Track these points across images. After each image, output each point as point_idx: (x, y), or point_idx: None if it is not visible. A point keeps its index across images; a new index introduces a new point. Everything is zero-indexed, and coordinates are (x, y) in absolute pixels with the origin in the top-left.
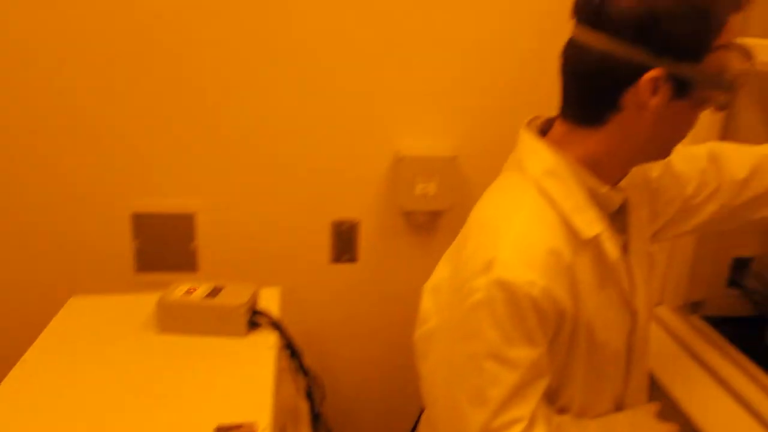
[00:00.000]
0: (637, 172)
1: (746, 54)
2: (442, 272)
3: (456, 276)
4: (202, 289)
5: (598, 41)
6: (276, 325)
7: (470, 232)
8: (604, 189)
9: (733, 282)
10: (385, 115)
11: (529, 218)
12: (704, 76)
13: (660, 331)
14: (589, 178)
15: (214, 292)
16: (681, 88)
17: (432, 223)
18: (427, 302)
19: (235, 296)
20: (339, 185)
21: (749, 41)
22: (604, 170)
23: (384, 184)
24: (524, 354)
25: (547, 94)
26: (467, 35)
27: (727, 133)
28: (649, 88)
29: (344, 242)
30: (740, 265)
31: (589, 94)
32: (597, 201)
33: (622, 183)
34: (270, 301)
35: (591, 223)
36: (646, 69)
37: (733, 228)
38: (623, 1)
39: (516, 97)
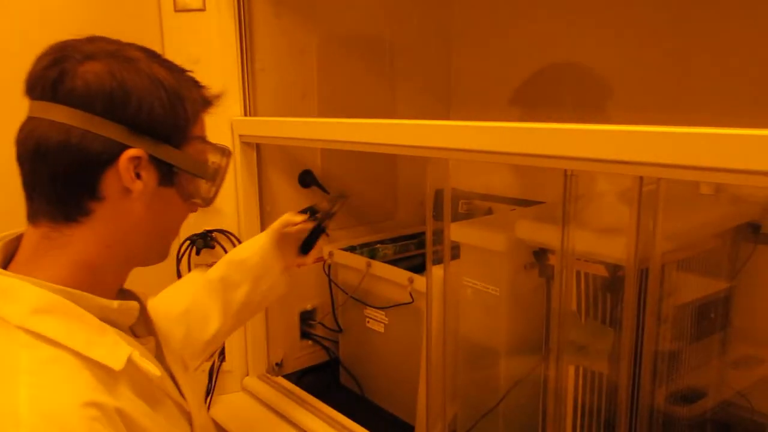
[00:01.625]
0: None
1: (225, 151)
2: None
3: None
4: None
5: (61, 114)
6: None
7: None
8: (115, 304)
9: (305, 334)
10: None
11: (37, 381)
12: (186, 163)
13: (254, 403)
14: (93, 299)
15: None
16: (166, 173)
17: None
18: None
19: None
20: None
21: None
22: (105, 278)
23: None
24: None
25: None
26: None
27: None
28: (131, 170)
29: None
30: (307, 317)
31: (61, 180)
32: (112, 319)
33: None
34: None
35: (115, 350)
36: (124, 148)
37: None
38: (89, 74)
39: None
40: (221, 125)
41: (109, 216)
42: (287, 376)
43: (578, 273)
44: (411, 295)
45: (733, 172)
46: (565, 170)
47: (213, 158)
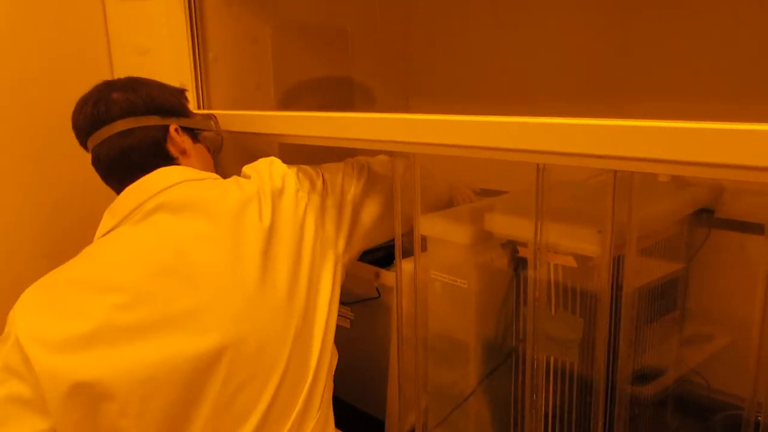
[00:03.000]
0: None
1: (211, 116)
2: None
3: None
4: None
5: (123, 124)
6: None
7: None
8: None
9: None
10: None
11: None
12: (198, 124)
13: None
14: None
15: None
16: (192, 135)
17: None
18: None
19: None
20: None
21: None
22: None
23: None
24: None
25: None
26: None
27: None
28: (176, 137)
29: None
30: None
31: (150, 155)
32: None
33: None
34: None
35: None
36: (167, 126)
37: None
38: (121, 96)
39: None
40: None
41: (185, 164)
42: None
43: (548, 264)
44: (377, 290)
45: (709, 166)
46: (537, 164)
47: (210, 120)
